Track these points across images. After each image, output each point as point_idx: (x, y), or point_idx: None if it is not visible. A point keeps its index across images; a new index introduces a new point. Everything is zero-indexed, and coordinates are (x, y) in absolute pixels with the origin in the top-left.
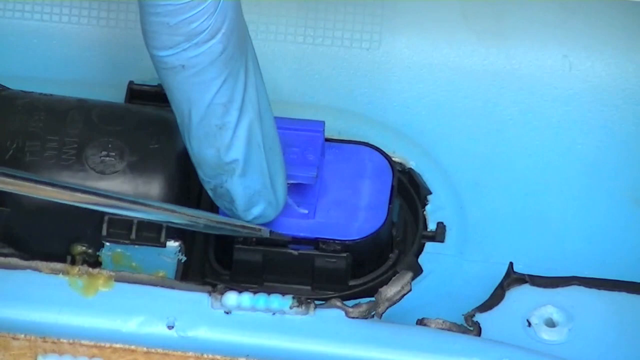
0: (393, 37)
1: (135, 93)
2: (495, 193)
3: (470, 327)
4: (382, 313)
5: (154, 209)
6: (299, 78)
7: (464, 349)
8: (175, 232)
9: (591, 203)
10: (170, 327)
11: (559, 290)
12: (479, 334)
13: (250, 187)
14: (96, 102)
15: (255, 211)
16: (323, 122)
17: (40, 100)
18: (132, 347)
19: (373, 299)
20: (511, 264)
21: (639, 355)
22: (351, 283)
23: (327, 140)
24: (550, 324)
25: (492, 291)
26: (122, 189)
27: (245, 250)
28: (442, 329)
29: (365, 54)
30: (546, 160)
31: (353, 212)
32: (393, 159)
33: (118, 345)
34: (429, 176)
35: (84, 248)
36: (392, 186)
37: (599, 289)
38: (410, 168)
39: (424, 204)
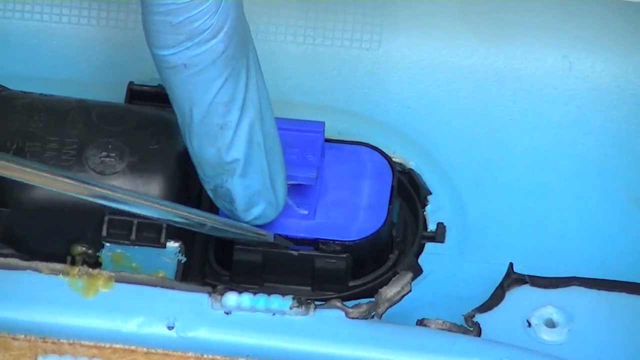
0: (393, 37)
1: (135, 93)
2: (495, 193)
3: (470, 327)
4: (382, 313)
5: (159, 207)
6: (299, 78)
7: (464, 349)
8: (175, 233)
9: (591, 203)
10: (170, 328)
11: (559, 290)
12: (479, 334)
13: (251, 187)
14: (96, 102)
15: (255, 211)
16: (323, 123)
17: (40, 100)
18: (132, 347)
19: (373, 299)
20: (511, 264)
21: (639, 355)
22: (351, 284)
23: (327, 140)
24: (550, 324)
25: (492, 292)
26: None
27: (245, 251)
28: (442, 329)
29: (365, 54)
30: (546, 160)
31: (353, 212)
32: (393, 159)
33: (118, 346)
34: (429, 176)
35: (84, 248)
36: (392, 186)
37: (599, 289)
38: (410, 168)
39: (424, 204)
